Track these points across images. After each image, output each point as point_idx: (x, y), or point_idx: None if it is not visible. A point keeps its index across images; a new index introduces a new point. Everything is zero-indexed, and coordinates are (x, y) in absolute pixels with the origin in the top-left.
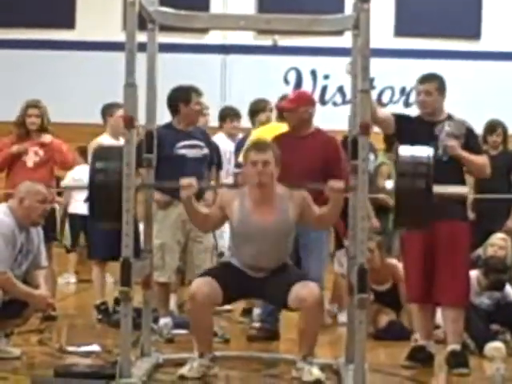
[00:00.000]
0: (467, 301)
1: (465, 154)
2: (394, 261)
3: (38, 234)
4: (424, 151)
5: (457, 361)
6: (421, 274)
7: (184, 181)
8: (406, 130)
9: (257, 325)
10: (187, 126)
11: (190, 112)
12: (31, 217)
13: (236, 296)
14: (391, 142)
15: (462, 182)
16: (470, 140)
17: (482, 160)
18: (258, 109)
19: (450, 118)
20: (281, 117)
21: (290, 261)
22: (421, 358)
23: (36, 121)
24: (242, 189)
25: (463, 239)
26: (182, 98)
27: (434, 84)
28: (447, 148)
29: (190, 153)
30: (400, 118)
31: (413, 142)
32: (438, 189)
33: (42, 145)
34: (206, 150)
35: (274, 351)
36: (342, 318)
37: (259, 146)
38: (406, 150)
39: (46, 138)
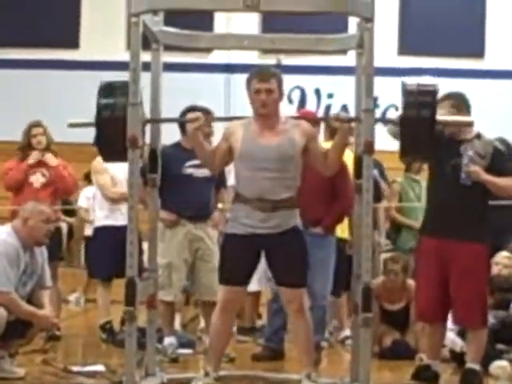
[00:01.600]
0: (486, 320)
1: (488, 178)
2: (410, 281)
3: (41, 253)
4: (429, 81)
5: (469, 380)
6: (434, 294)
7: (190, 114)
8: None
9: (262, 341)
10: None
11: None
12: (35, 237)
13: (251, 269)
14: (409, 161)
15: (486, 206)
16: (495, 160)
17: (505, 182)
18: None
19: (478, 136)
20: None
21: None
22: (426, 377)
23: (42, 139)
24: (248, 118)
25: (481, 262)
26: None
27: (447, 102)
28: (470, 173)
29: (197, 172)
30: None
31: (441, 158)
32: (441, 118)
33: (49, 166)
34: None
35: (279, 371)
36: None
37: (262, 74)
38: (411, 81)
39: (52, 161)
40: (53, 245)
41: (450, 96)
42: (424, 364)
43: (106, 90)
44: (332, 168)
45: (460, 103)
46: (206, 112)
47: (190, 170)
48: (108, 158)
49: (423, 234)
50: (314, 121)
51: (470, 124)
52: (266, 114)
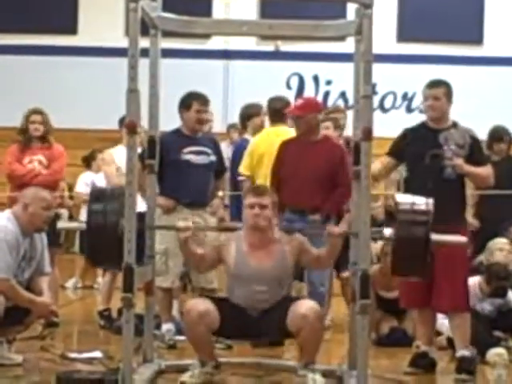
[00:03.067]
0: (468, 305)
1: (471, 170)
2: None
3: (41, 240)
4: (423, 200)
5: (462, 367)
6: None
7: (181, 223)
8: (411, 140)
9: None
10: (193, 133)
11: (188, 118)
12: (35, 223)
13: (231, 332)
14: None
15: (463, 196)
16: (474, 150)
17: (486, 172)
18: (251, 113)
19: (455, 125)
20: (274, 121)
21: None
22: (423, 364)
23: (39, 127)
24: (239, 232)
25: (463, 246)
26: (183, 103)
27: (442, 89)
28: (454, 167)
29: (196, 159)
30: (401, 140)
31: (419, 150)
32: (436, 237)
33: (45, 152)
34: (213, 158)
35: (278, 357)
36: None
37: (257, 190)
38: (405, 199)
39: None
40: (51, 231)
41: (444, 83)
42: (421, 351)
43: (98, 195)
44: (325, 268)
45: (449, 93)
46: (204, 99)
47: (188, 156)
48: (97, 263)
49: None
50: (317, 108)
51: (464, 244)
52: (260, 229)
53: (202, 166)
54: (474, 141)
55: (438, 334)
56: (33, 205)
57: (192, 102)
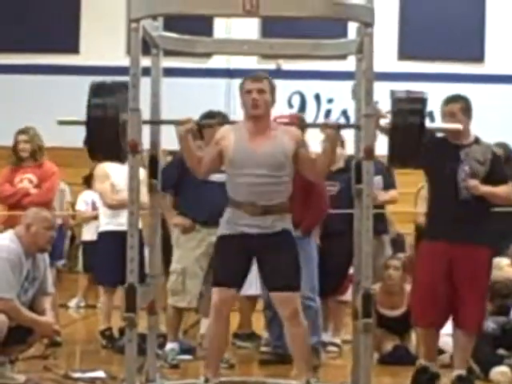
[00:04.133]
0: (482, 328)
1: (486, 190)
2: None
3: (44, 260)
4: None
5: None
6: (435, 300)
7: (183, 118)
8: (432, 151)
9: (265, 349)
10: None
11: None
12: (38, 243)
13: (243, 272)
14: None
15: (489, 216)
16: (495, 166)
17: (504, 190)
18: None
19: (477, 141)
20: None
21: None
22: (425, 379)
23: (25, 147)
24: (238, 122)
25: (485, 266)
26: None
27: (457, 105)
28: (469, 189)
29: (214, 176)
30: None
31: (439, 165)
32: (430, 125)
33: (36, 171)
34: None
35: (281, 376)
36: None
37: (255, 76)
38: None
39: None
40: (52, 250)
41: (461, 98)
42: (422, 366)
43: (97, 89)
44: (321, 175)
45: (467, 108)
46: (222, 117)
47: None
48: (97, 157)
49: (427, 238)
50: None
51: (458, 131)
52: (257, 115)
53: (218, 183)
54: (495, 157)
55: (441, 351)
56: (35, 225)
57: (217, 119)
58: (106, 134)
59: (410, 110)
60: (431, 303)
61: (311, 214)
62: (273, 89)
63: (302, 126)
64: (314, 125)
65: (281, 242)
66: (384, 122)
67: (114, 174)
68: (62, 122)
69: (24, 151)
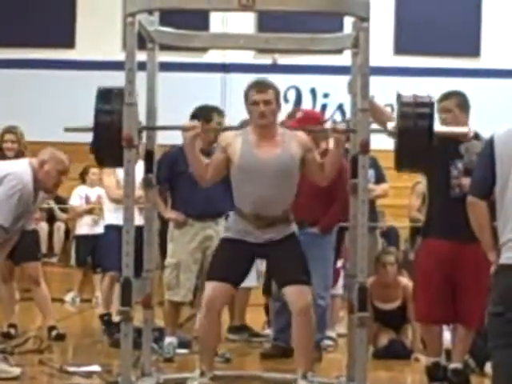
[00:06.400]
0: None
1: None
2: (405, 280)
3: (42, 198)
4: (425, 93)
5: (458, 380)
6: (438, 298)
7: (187, 123)
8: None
9: (269, 345)
10: (207, 145)
11: (209, 131)
12: (46, 184)
13: (245, 270)
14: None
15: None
16: None
17: None
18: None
19: (476, 136)
20: None
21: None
22: (440, 376)
23: (12, 146)
24: (245, 129)
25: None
26: (203, 116)
27: (452, 100)
28: (462, 187)
29: None
30: None
31: (438, 160)
32: (439, 128)
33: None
34: None
35: (278, 370)
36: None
37: (260, 85)
38: (407, 92)
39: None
40: (31, 245)
41: (456, 94)
42: (432, 362)
43: (104, 95)
44: (328, 178)
45: (463, 103)
46: (218, 112)
47: None
48: (103, 162)
49: (428, 236)
50: (318, 122)
51: (465, 135)
52: (265, 125)
53: None
54: None
55: None
56: (49, 163)
57: (213, 114)
58: (113, 139)
59: (417, 114)
60: (435, 301)
61: (330, 214)
62: (278, 96)
63: (310, 130)
64: (322, 129)
65: (287, 243)
66: (391, 125)
67: (121, 170)
68: (68, 130)
69: (10, 150)
